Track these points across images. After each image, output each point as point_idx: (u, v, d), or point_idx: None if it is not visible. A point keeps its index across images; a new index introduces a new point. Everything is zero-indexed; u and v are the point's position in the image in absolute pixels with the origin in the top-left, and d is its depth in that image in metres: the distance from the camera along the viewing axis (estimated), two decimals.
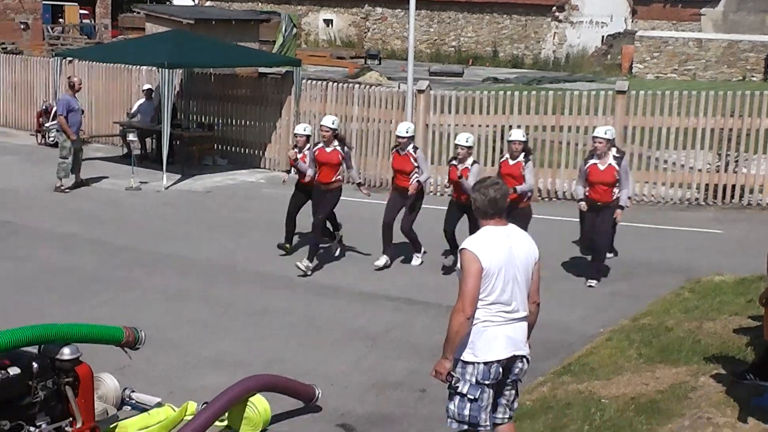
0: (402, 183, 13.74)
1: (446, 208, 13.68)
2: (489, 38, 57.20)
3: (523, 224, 12.18)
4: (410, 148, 13.74)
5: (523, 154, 13.31)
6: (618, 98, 18.54)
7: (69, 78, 20.05)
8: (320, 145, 13.80)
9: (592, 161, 13.02)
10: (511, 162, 13.37)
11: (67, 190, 18.56)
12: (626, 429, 7.78)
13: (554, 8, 55.10)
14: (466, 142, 13.39)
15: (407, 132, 13.86)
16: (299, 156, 14.09)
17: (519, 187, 12.93)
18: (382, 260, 13.72)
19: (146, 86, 22.40)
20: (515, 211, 12.32)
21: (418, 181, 13.53)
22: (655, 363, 9.39)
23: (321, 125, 14.00)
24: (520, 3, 56.00)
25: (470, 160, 13.47)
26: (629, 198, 13.46)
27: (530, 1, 55.73)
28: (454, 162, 13.47)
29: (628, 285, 12.95)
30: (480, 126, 19.23)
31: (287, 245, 14.24)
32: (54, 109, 22.44)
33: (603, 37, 56.40)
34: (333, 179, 13.69)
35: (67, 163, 18.60)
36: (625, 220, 14.79)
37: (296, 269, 13.14)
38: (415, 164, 13.60)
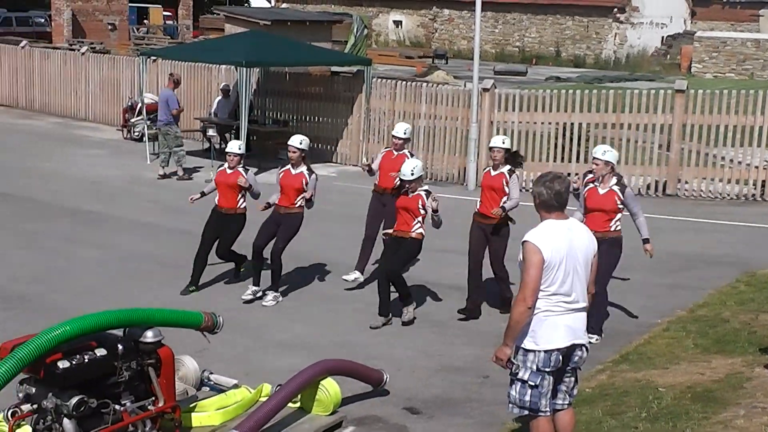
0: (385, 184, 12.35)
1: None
2: (552, 38, 56.72)
3: (502, 246, 11.18)
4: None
5: (507, 166, 11.17)
6: (677, 97, 18.36)
7: (172, 74, 20.51)
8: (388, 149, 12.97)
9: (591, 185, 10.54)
10: (492, 172, 11.27)
11: (186, 177, 19.25)
12: (682, 417, 7.69)
13: (615, 10, 54.48)
14: (503, 144, 11.35)
15: (405, 133, 12.62)
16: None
17: (508, 204, 10.97)
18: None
19: (223, 84, 22.58)
20: (494, 233, 11.14)
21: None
22: (711, 353, 9.29)
23: (393, 135, 12.98)
24: (582, 4, 55.45)
25: (507, 166, 11.19)
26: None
27: (592, 3, 55.16)
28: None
29: (686, 277, 12.80)
30: (542, 123, 19.16)
31: None
32: (139, 105, 22.75)
33: (663, 37, 55.68)
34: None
35: (183, 151, 19.46)
36: (682, 214, 14.68)
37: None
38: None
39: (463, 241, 13.26)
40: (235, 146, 12.48)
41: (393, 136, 12.77)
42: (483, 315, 11.08)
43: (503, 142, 11.32)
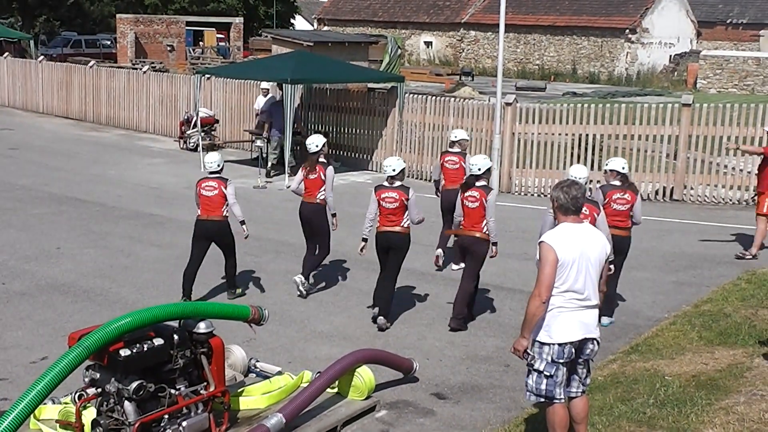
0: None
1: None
2: (569, 57, 56.49)
3: (477, 263, 10.46)
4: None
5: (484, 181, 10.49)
6: (684, 110, 18.23)
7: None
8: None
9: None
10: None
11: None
12: (687, 403, 7.63)
13: (627, 31, 54.19)
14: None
15: (393, 171, 10.52)
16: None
17: (491, 227, 10.28)
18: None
19: (264, 85, 22.56)
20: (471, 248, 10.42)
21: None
22: (715, 345, 9.21)
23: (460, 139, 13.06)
24: (596, 26, 55.22)
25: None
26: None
27: (606, 25, 54.92)
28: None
29: (691, 275, 12.69)
30: (560, 134, 19.07)
31: None
32: (194, 118, 22.87)
33: (671, 56, 55.32)
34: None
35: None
36: (687, 218, 14.55)
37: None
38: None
39: None
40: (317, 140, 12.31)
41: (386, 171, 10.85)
42: (505, 309, 11.02)
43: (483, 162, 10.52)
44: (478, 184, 10.33)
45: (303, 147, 21.25)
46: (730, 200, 18.08)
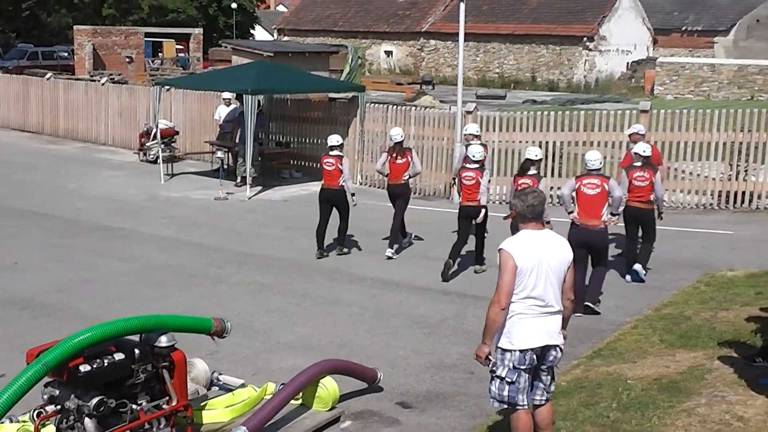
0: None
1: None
2: (528, 65, 56.89)
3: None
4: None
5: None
6: (641, 116, 18.35)
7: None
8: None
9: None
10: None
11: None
12: (650, 406, 7.68)
13: (585, 39, 54.67)
14: (536, 157, 12.82)
15: (401, 136, 14.69)
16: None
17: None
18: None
19: (225, 95, 22.40)
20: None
21: None
22: (676, 348, 9.28)
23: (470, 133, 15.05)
24: (555, 34, 55.67)
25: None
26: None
27: (564, 33, 55.39)
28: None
29: (652, 279, 12.77)
30: (521, 142, 19.13)
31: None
32: (154, 130, 22.70)
33: (628, 63, 55.89)
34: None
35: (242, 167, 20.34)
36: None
37: (362, 266, 13.15)
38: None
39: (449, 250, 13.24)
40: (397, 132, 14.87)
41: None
42: (469, 317, 11.02)
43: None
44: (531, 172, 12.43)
45: (263, 156, 21.33)
46: (689, 204, 18.24)
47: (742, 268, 12.65)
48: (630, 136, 14.34)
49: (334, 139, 14.53)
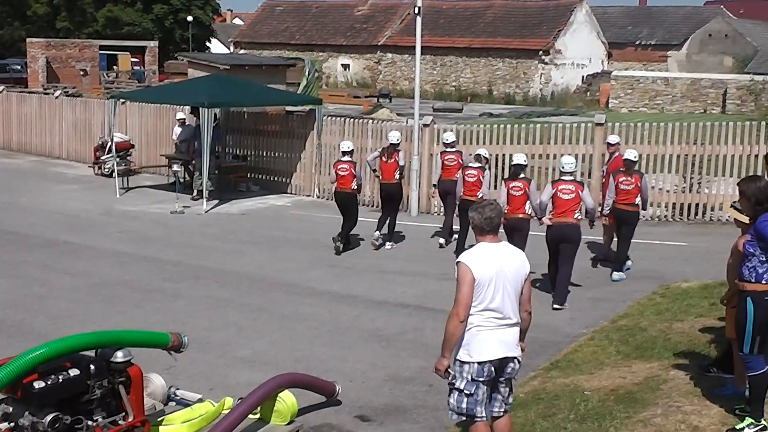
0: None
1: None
2: (485, 78, 57.32)
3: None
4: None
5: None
6: (597, 129, 18.54)
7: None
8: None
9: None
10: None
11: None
12: (607, 417, 7.74)
13: (541, 52, 55.24)
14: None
15: (398, 139, 16.06)
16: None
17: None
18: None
19: (179, 115, 22.34)
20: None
21: None
22: (632, 359, 9.36)
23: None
24: (511, 48, 56.19)
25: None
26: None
27: (520, 47, 55.93)
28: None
29: (608, 291, 12.90)
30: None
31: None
32: (109, 143, 22.52)
33: (583, 76, 56.50)
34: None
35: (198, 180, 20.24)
36: (602, 235, 14.82)
37: (318, 280, 13.14)
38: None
39: (407, 263, 13.27)
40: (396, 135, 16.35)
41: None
42: (427, 329, 11.04)
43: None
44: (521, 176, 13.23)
45: (220, 170, 21.26)
46: (644, 216, 18.36)
47: (697, 279, 12.79)
48: (607, 146, 15.48)
49: (346, 145, 15.62)
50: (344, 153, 15.43)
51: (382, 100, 49.23)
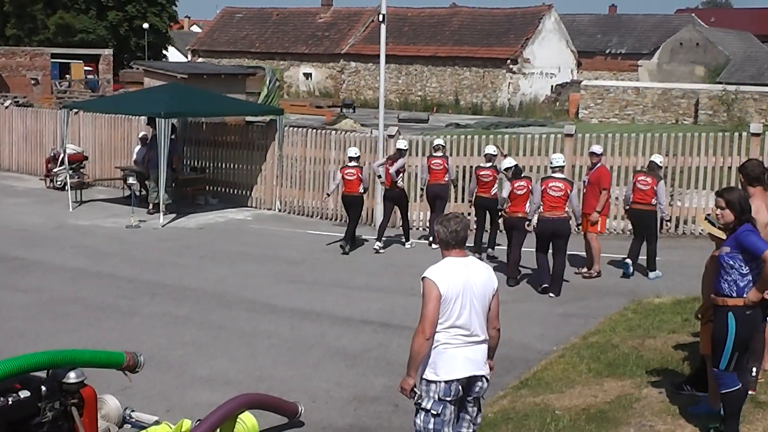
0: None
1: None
2: (451, 88, 57.53)
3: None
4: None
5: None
6: (566, 140, 18.64)
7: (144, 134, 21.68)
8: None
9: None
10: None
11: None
12: None
13: (508, 61, 55.55)
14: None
15: (406, 146, 17.35)
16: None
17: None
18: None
19: (142, 133, 22.27)
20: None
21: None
22: (603, 377, 9.39)
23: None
24: (478, 57, 56.46)
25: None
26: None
27: (487, 55, 56.21)
28: None
29: (578, 306, 12.96)
30: None
31: None
32: (61, 155, 22.34)
33: (552, 86, 56.88)
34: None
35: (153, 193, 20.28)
36: (573, 249, 14.88)
37: (280, 296, 13.12)
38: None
39: (372, 278, 13.24)
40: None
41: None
42: (393, 347, 11.03)
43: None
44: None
45: (177, 182, 21.16)
46: (615, 230, 18.51)
47: (669, 294, 12.87)
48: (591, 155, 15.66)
49: (353, 151, 17.08)
50: (351, 158, 16.78)
51: (345, 110, 49.28)
